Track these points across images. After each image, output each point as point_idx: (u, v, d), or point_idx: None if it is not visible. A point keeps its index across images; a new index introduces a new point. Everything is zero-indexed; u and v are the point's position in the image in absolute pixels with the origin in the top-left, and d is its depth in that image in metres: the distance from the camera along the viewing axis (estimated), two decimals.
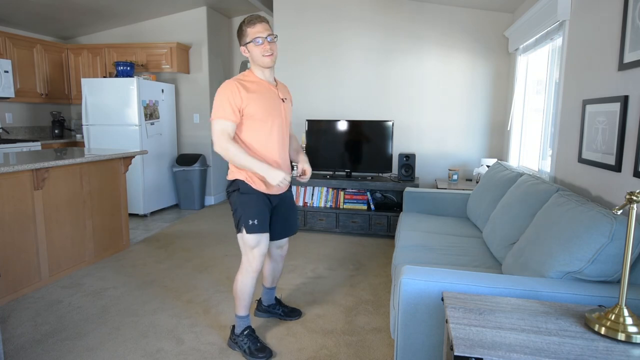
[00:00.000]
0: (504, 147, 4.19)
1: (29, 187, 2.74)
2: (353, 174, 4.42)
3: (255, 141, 2.01)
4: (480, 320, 1.19)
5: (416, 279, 1.50)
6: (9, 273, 2.62)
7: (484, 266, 2.10)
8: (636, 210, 1.17)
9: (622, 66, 1.84)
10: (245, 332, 2.09)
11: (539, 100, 3.36)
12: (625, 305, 1.16)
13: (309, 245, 3.83)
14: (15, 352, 2.06)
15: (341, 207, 4.22)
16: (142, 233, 4.18)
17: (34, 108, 5.26)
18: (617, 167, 1.85)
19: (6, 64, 4.32)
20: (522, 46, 3.58)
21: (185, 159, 5.17)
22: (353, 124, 4.23)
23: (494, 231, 2.31)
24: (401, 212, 3.39)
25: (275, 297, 2.49)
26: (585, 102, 2.21)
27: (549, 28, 2.84)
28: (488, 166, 3.82)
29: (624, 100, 1.81)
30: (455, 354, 1.03)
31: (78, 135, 5.31)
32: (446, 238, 2.57)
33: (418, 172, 4.52)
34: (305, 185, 4.24)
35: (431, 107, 4.43)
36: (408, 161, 4.05)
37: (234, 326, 2.16)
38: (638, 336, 1.09)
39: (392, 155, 4.16)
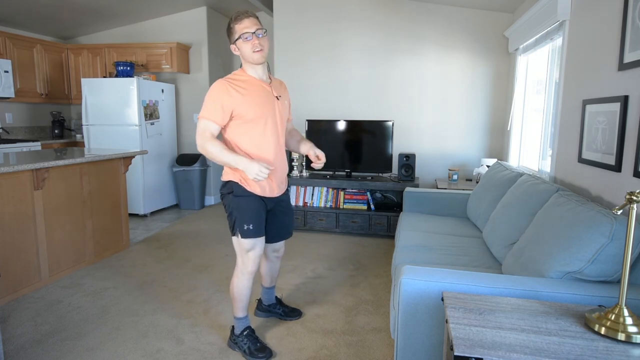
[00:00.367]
0: (504, 147, 4.19)
1: (29, 187, 2.74)
2: (353, 174, 4.42)
3: (248, 142, 1.95)
4: (480, 320, 1.19)
5: (416, 279, 1.50)
6: (9, 273, 2.62)
7: (484, 266, 2.10)
8: (636, 210, 1.17)
9: (622, 66, 1.84)
10: (244, 333, 2.09)
11: (539, 100, 3.36)
12: (625, 305, 1.16)
13: (309, 245, 3.83)
14: (15, 352, 2.06)
15: (341, 207, 4.22)
16: (142, 233, 4.18)
17: (34, 108, 5.26)
18: (617, 167, 1.85)
19: (6, 64, 4.32)
20: (522, 46, 3.58)
21: (185, 159, 5.17)
22: (353, 124, 4.23)
23: (494, 231, 2.31)
24: (401, 212, 3.40)
25: (276, 297, 2.49)
26: (585, 102, 2.21)
27: (549, 28, 2.84)
28: (488, 166, 3.82)
29: (624, 100, 1.81)
30: (455, 354, 1.03)
31: (78, 135, 5.31)
32: (446, 238, 2.57)
33: (418, 172, 4.52)
34: (305, 185, 4.24)
35: (431, 107, 4.43)
36: (408, 161, 4.05)
37: (233, 326, 2.15)
38: (638, 336, 1.09)
39: (392, 155, 4.16)
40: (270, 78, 2.07)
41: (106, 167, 3.45)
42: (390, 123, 4.12)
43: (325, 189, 4.26)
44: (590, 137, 2.15)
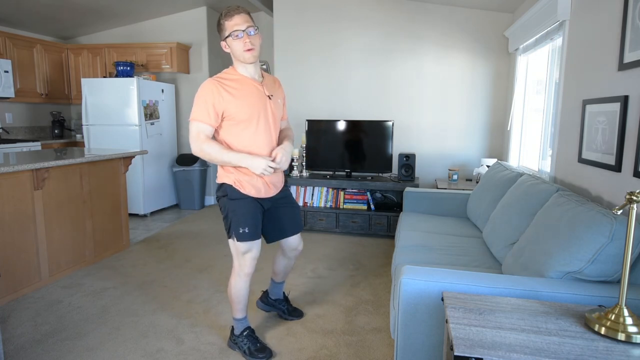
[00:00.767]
0: (504, 147, 4.19)
1: (29, 187, 2.74)
2: (353, 174, 4.42)
3: (239, 143, 1.91)
4: (480, 320, 1.19)
5: (416, 279, 1.50)
6: (9, 273, 2.62)
7: (484, 266, 2.10)
8: (636, 210, 1.17)
9: (622, 66, 1.84)
10: (244, 333, 2.09)
11: (539, 100, 3.36)
12: (625, 305, 1.16)
13: (309, 245, 3.83)
14: (15, 352, 2.06)
15: (341, 207, 4.22)
16: (142, 233, 4.18)
17: (34, 108, 5.26)
18: (617, 167, 1.85)
19: (6, 64, 4.32)
20: (522, 46, 3.58)
21: (185, 159, 5.17)
22: (353, 124, 4.23)
23: (494, 231, 2.31)
24: (401, 212, 3.40)
25: (283, 293, 2.47)
26: (585, 102, 2.21)
27: (549, 28, 2.84)
28: (488, 166, 3.82)
29: (624, 100, 1.81)
30: (455, 354, 1.03)
31: (78, 135, 5.31)
32: (446, 238, 2.57)
33: (418, 172, 4.52)
34: (305, 185, 4.24)
35: (431, 107, 4.43)
36: (408, 161, 4.05)
37: (233, 327, 2.15)
38: (638, 336, 1.09)
39: (392, 155, 4.16)
40: (263, 75, 2.02)
41: (106, 167, 3.45)
42: (390, 123, 4.12)
43: (325, 189, 4.26)
44: (590, 137, 2.15)
